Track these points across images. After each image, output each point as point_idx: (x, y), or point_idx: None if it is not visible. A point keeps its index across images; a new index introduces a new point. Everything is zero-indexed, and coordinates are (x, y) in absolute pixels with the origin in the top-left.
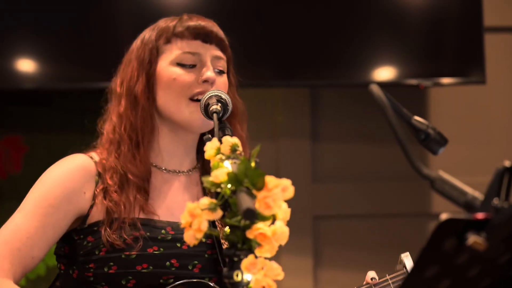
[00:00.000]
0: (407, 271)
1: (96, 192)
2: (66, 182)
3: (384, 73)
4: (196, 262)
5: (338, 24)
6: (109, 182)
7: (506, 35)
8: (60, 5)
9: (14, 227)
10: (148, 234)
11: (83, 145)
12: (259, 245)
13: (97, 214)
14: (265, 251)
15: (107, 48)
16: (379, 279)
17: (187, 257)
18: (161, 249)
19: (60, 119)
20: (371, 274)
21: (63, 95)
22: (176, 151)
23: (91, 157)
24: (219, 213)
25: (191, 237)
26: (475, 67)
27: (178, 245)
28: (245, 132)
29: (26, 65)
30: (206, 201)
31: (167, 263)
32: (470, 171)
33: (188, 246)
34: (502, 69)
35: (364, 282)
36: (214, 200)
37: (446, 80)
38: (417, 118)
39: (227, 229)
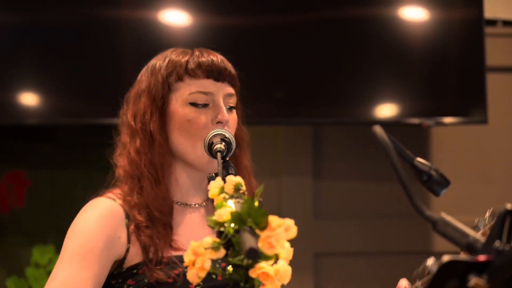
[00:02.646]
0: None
1: (129, 233)
2: (102, 230)
3: (386, 111)
4: None
5: (340, 62)
6: (139, 218)
7: (508, 75)
8: (62, 40)
9: (63, 280)
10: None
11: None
12: (262, 284)
13: (134, 257)
14: None
15: (110, 83)
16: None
17: (223, 287)
18: (201, 283)
19: (63, 154)
20: (403, 282)
21: (66, 130)
22: (194, 185)
23: (114, 200)
24: (222, 252)
25: (194, 276)
26: (477, 106)
27: (214, 276)
28: (250, 161)
29: (28, 100)
30: (209, 240)
31: None
32: (471, 210)
33: (222, 276)
34: (504, 109)
35: None
36: (217, 239)
37: (448, 120)
38: (419, 159)
39: (230, 268)
